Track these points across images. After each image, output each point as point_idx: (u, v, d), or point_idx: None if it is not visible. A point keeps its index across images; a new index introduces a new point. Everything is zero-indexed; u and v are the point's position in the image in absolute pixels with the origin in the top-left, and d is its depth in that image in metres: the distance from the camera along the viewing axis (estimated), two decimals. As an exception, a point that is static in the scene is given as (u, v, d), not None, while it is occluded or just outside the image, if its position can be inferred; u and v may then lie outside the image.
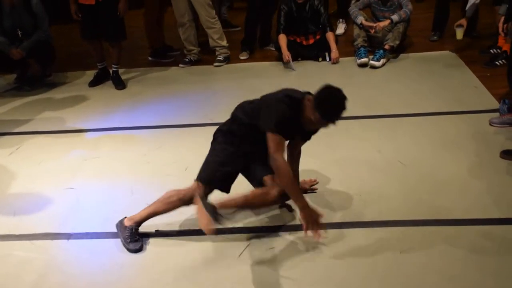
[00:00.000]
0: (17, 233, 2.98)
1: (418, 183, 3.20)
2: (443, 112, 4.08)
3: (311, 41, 5.41)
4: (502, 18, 3.86)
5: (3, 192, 3.43)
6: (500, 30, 3.89)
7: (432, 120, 3.97)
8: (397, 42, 5.17)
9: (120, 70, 5.23)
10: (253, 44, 5.78)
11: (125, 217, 2.88)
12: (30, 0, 4.97)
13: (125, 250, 2.79)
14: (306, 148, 3.69)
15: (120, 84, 5.11)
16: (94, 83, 5.18)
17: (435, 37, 5.67)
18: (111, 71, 5.18)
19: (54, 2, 6.02)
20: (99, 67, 5.23)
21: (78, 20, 4.93)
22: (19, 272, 2.68)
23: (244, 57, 5.65)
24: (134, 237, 2.80)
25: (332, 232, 2.81)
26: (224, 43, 5.48)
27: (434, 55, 5.29)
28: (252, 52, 5.72)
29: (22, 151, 3.96)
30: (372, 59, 5.09)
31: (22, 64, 5.25)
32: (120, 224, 2.86)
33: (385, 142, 3.71)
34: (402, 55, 5.32)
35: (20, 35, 4.98)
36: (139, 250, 2.77)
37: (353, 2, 5.49)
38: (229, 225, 2.87)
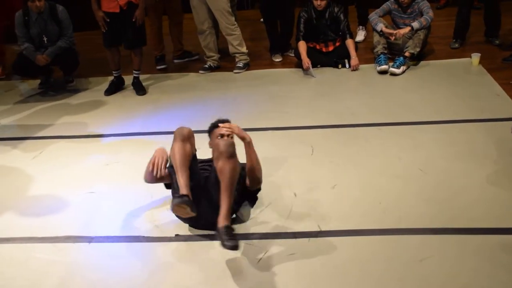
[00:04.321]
0: (39, 235, 3.03)
1: (439, 191, 3.18)
2: (464, 119, 4.05)
3: (331, 48, 5.42)
4: None
5: (26, 195, 3.49)
6: None
7: (453, 128, 3.94)
8: (418, 49, 5.15)
9: (141, 77, 5.29)
10: (280, 46, 5.81)
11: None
12: (56, 8, 5.07)
13: (146, 254, 2.83)
14: (325, 154, 3.71)
15: (141, 90, 5.17)
16: (110, 91, 5.22)
17: (456, 45, 5.63)
18: (132, 77, 5.25)
19: (77, 9, 6.12)
20: (114, 75, 5.28)
21: (104, 28, 5.00)
22: (41, 275, 2.72)
23: (278, 59, 5.72)
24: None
25: (351, 239, 2.81)
26: (244, 49, 5.52)
27: (455, 62, 5.25)
28: (282, 54, 5.78)
29: (45, 155, 4.03)
30: (392, 66, 5.08)
31: (46, 70, 5.35)
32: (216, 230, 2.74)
33: (405, 149, 3.69)
34: (422, 63, 5.30)
35: (45, 42, 5.09)
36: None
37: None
38: (249, 230, 2.89)
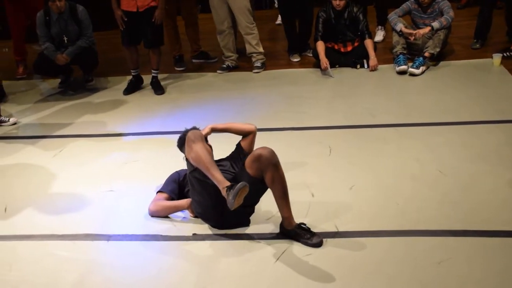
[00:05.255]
0: (59, 233, 3.07)
1: (458, 193, 3.15)
2: (483, 121, 4.01)
3: (349, 48, 5.40)
4: None
5: (47, 193, 3.53)
6: None
7: (473, 129, 3.90)
8: (438, 50, 5.10)
9: (159, 76, 5.32)
10: (298, 47, 5.81)
11: (281, 225, 2.86)
12: (76, 8, 5.13)
13: (163, 252, 2.85)
14: (342, 155, 3.69)
15: (159, 89, 5.20)
16: (128, 90, 5.26)
17: (477, 45, 5.56)
18: (151, 76, 5.28)
19: (97, 9, 6.18)
20: (132, 74, 5.32)
21: (121, 26, 5.05)
22: (60, 272, 2.75)
23: (296, 59, 5.72)
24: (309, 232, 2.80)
25: (368, 239, 2.79)
26: (261, 49, 5.53)
27: (476, 63, 5.20)
28: (300, 54, 5.78)
29: (65, 153, 4.08)
30: (412, 67, 5.04)
31: (66, 70, 5.42)
32: (286, 232, 2.83)
33: (423, 150, 3.66)
34: (442, 63, 5.25)
35: (65, 41, 5.15)
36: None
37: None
38: (266, 230, 2.90)
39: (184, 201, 3.08)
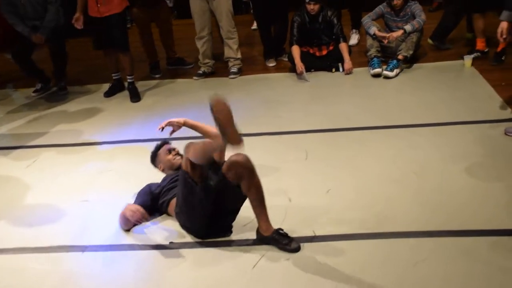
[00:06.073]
0: (33, 245, 3.01)
1: (433, 194, 3.18)
2: (457, 122, 4.05)
3: (324, 52, 5.42)
4: (503, 24, 3.79)
5: (20, 205, 3.47)
6: (499, 36, 3.82)
7: (447, 130, 3.95)
8: (411, 52, 5.16)
9: (136, 83, 5.28)
10: (274, 51, 5.82)
11: (258, 231, 2.85)
12: None
13: (140, 262, 2.82)
14: (319, 159, 3.70)
15: (135, 97, 5.17)
16: (109, 93, 5.30)
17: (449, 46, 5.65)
18: (126, 83, 5.24)
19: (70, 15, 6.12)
20: (113, 77, 5.34)
21: (79, 26, 5.00)
22: (36, 285, 2.70)
23: (272, 64, 5.74)
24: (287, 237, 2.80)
25: (345, 243, 2.80)
26: (239, 54, 5.53)
27: (448, 65, 5.26)
28: (276, 59, 5.80)
29: (39, 163, 4.02)
30: (386, 69, 5.08)
31: (43, 78, 5.38)
32: (264, 238, 2.83)
33: (399, 152, 3.69)
34: (415, 65, 5.30)
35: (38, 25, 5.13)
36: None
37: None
38: (244, 236, 2.88)
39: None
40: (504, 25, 3.75)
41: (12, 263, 2.89)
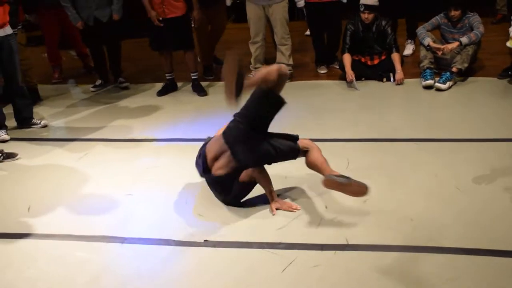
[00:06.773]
0: (77, 234, 3.17)
1: (474, 211, 3.10)
2: (507, 138, 3.93)
3: (376, 61, 5.38)
4: None
5: (68, 195, 3.66)
6: None
7: (495, 147, 3.83)
8: (466, 65, 5.03)
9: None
10: (325, 58, 5.85)
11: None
12: None
13: (175, 257, 2.90)
14: (359, 168, 3.68)
15: (201, 91, 5.40)
16: (162, 92, 5.51)
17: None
18: (191, 79, 5.47)
19: (131, 16, 6.36)
20: (167, 78, 5.53)
21: (157, 23, 5.16)
22: (74, 273, 2.84)
23: (323, 71, 5.78)
24: None
25: (377, 254, 2.78)
26: (291, 61, 5.58)
27: (504, 80, 5.08)
28: (327, 66, 5.82)
29: (90, 156, 4.21)
30: (438, 81, 4.98)
31: (105, 75, 5.68)
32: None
33: (443, 166, 3.62)
34: (470, 79, 5.16)
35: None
36: None
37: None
38: (276, 240, 2.92)
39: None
40: None
41: (56, 248, 3.06)
